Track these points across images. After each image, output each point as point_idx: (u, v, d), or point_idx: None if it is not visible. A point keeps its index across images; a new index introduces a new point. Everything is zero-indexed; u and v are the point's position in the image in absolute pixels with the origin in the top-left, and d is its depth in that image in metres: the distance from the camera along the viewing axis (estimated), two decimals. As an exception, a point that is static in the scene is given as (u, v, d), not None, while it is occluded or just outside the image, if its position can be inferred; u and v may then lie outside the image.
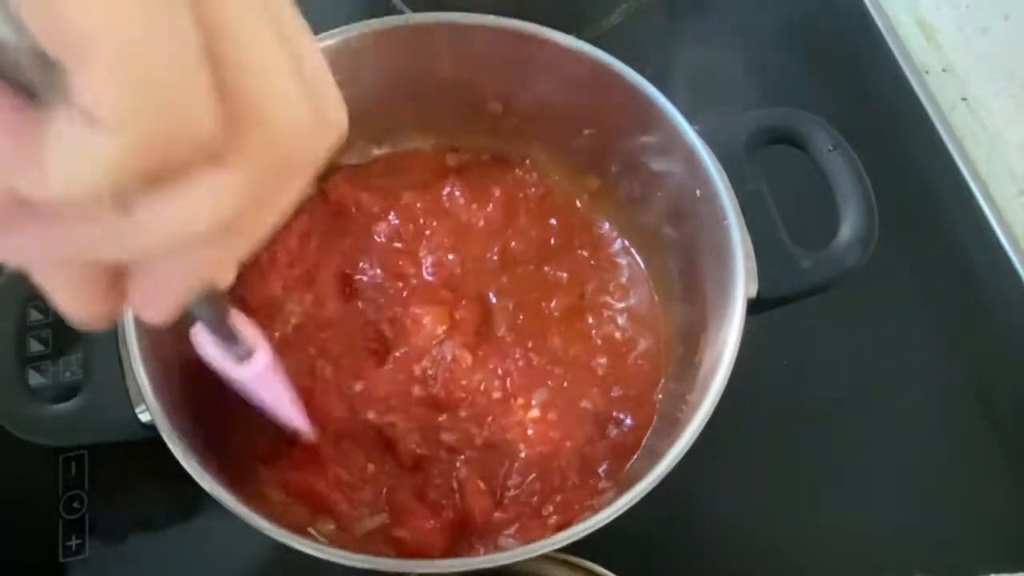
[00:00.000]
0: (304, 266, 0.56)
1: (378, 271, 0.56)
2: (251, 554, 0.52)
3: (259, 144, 0.21)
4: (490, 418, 0.52)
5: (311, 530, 0.49)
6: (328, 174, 0.59)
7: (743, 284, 0.47)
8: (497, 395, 0.53)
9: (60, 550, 0.52)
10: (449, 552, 0.49)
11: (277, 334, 0.54)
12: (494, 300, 0.56)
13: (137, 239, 0.21)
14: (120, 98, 0.18)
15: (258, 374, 0.38)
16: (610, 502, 0.42)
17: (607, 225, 0.60)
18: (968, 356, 0.63)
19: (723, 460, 0.50)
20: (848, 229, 0.50)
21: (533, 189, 0.60)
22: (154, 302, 0.25)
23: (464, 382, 0.53)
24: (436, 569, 0.42)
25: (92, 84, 0.18)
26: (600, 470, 0.52)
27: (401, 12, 0.65)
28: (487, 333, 0.55)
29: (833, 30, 0.77)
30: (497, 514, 0.50)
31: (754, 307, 0.47)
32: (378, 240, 0.57)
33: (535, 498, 0.50)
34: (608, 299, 0.57)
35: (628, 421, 0.53)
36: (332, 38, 0.52)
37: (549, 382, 0.53)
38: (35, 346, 0.57)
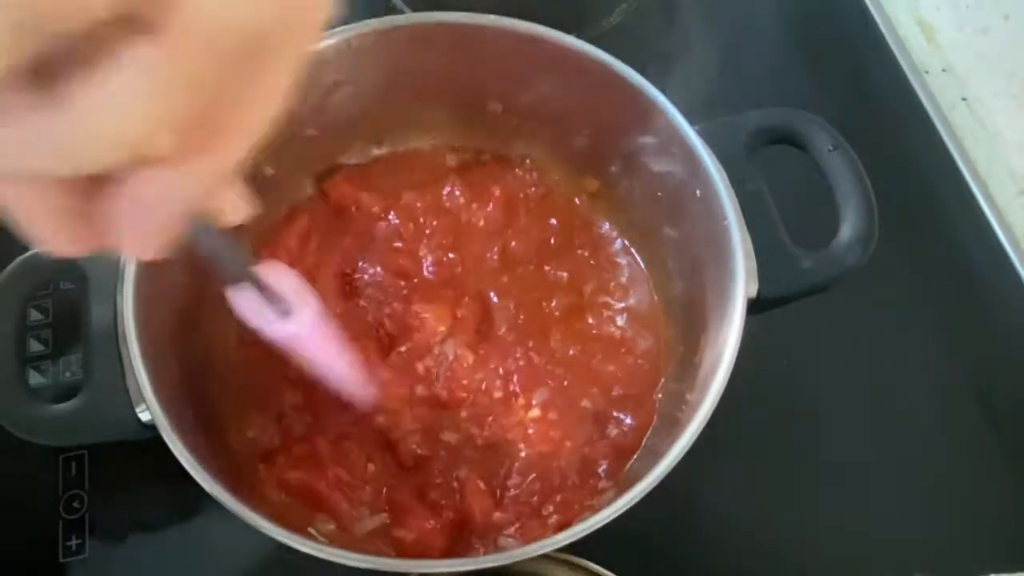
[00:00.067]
0: (304, 266, 0.56)
1: (378, 270, 0.56)
2: (251, 554, 0.52)
3: (196, 12, 0.18)
4: (491, 418, 0.52)
5: (311, 530, 0.49)
6: (328, 174, 0.60)
7: (743, 284, 0.47)
8: (498, 394, 0.53)
9: (60, 550, 0.52)
10: (449, 552, 0.49)
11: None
12: (495, 299, 0.56)
13: (73, 137, 0.18)
14: None
15: (302, 330, 0.35)
16: (610, 502, 0.42)
17: (607, 225, 0.60)
18: (968, 356, 0.63)
19: (723, 460, 0.50)
20: (848, 229, 0.50)
21: (533, 189, 0.60)
22: (137, 230, 0.22)
23: (466, 381, 0.53)
24: (436, 569, 0.42)
25: None
26: (600, 470, 0.52)
27: (401, 12, 0.65)
28: (487, 332, 0.55)
29: (833, 30, 0.77)
30: (497, 514, 0.50)
31: (754, 307, 0.47)
32: (378, 240, 0.57)
33: (535, 498, 0.50)
34: (608, 299, 0.57)
35: (628, 421, 0.53)
36: (332, 38, 0.52)
37: (550, 382, 0.54)
38: (35, 346, 0.57)
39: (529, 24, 0.53)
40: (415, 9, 0.56)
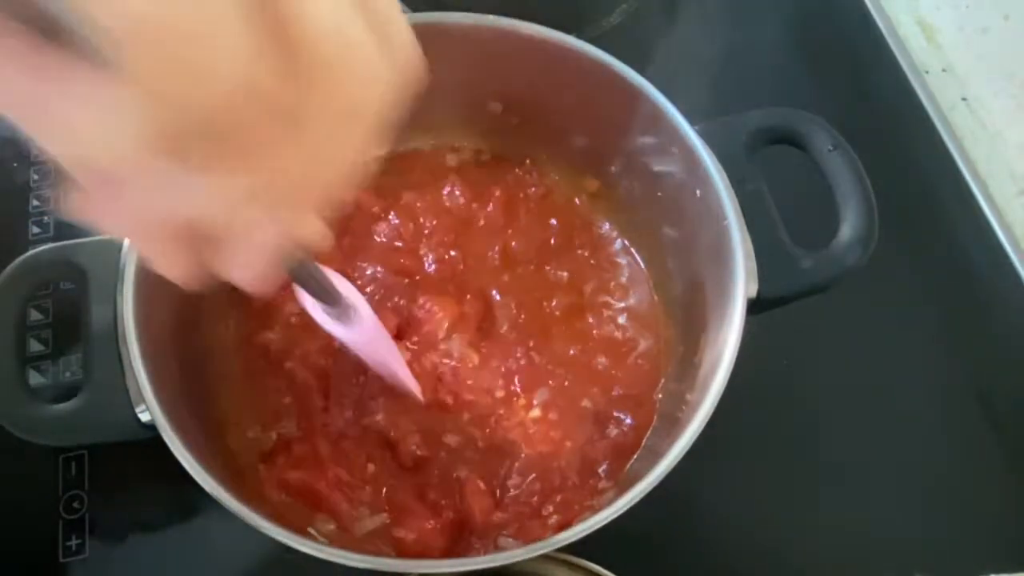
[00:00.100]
0: (304, 266, 0.56)
1: (379, 269, 0.56)
2: (251, 554, 0.52)
3: (326, 94, 0.20)
4: (492, 419, 0.52)
5: (311, 530, 0.49)
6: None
7: (743, 284, 0.47)
8: (500, 393, 0.53)
9: (60, 550, 0.52)
10: (449, 552, 0.49)
11: (277, 334, 0.54)
12: (496, 297, 0.56)
13: (213, 199, 0.21)
14: (146, 57, 0.17)
15: (361, 334, 0.37)
16: (610, 502, 0.42)
17: (607, 225, 0.60)
18: (968, 356, 0.63)
19: (723, 460, 0.50)
20: (848, 229, 0.50)
21: (533, 189, 0.60)
22: (246, 265, 0.24)
23: (471, 382, 0.53)
24: (436, 569, 0.42)
25: (117, 40, 0.17)
26: (600, 470, 0.52)
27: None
28: (489, 329, 0.55)
29: (833, 30, 0.77)
30: (497, 514, 0.50)
31: (754, 307, 0.47)
32: (378, 240, 0.57)
33: (535, 498, 0.50)
34: (608, 299, 0.57)
35: (628, 421, 0.53)
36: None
37: (550, 381, 0.54)
38: (35, 346, 0.57)
39: (529, 24, 0.53)
40: (415, 9, 0.56)
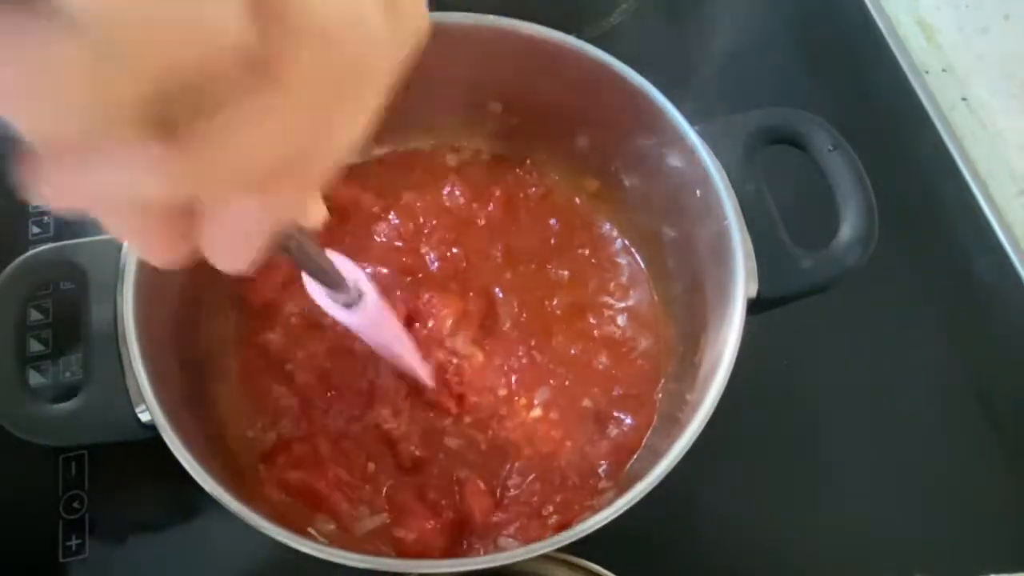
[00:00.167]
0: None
1: (381, 268, 0.56)
2: (251, 554, 0.52)
3: (313, 57, 0.19)
4: (494, 420, 0.52)
5: (311, 530, 0.49)
6: (328, 174, 0.59)
7: (743, 284, 0.47)
8: (503, 392, 0.53)
9: (60, 550, 0.52)
10: (449, 552, 0.49)
11: (277, 334, 0.54)
12: (499, 295, 0.56)
13: (192, 173, 0.19)
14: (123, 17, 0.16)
15: (365, 317, 0.37)
16: (610, 502, 0.42)
17: (607, 225, 0.60)
18: (968, 356, 0.63)
19: (723, 460, 0.50)
20: (848, 229, 0.50)
21: (533, 189, 0.60)
22: (231, 247, 0.23)
23: (476, 383, 0.53)
24: (436, 569, 0.42)
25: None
26: (600, 470, 0.52)
27: (401, 12, 0.65)
28: (492, 327, 0.55)
29: (833, 30, 0.77)
30: (497, 514, 0.50)
31: (754, 307, 0.47)
32: (378, 240, 0.57)
33: (535, 498, 0.50)
34: (609, 299, 0.57)
35: (628, 421, 0.53)
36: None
37: (551, 381, 0.54)
38: (35, 346, 0.57)
39: (529, 24, 0.53)
40: (415, 9, 0.56)
